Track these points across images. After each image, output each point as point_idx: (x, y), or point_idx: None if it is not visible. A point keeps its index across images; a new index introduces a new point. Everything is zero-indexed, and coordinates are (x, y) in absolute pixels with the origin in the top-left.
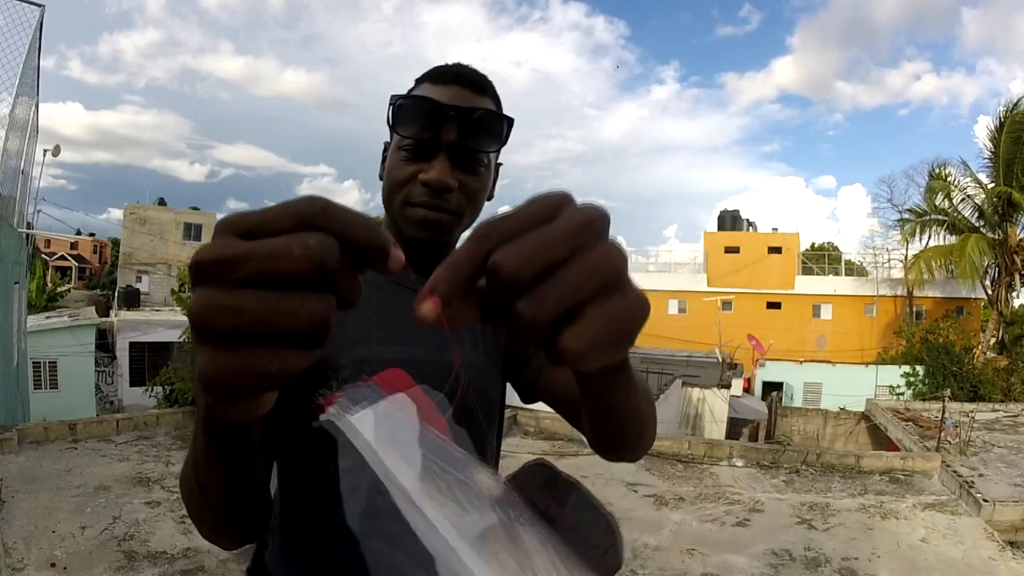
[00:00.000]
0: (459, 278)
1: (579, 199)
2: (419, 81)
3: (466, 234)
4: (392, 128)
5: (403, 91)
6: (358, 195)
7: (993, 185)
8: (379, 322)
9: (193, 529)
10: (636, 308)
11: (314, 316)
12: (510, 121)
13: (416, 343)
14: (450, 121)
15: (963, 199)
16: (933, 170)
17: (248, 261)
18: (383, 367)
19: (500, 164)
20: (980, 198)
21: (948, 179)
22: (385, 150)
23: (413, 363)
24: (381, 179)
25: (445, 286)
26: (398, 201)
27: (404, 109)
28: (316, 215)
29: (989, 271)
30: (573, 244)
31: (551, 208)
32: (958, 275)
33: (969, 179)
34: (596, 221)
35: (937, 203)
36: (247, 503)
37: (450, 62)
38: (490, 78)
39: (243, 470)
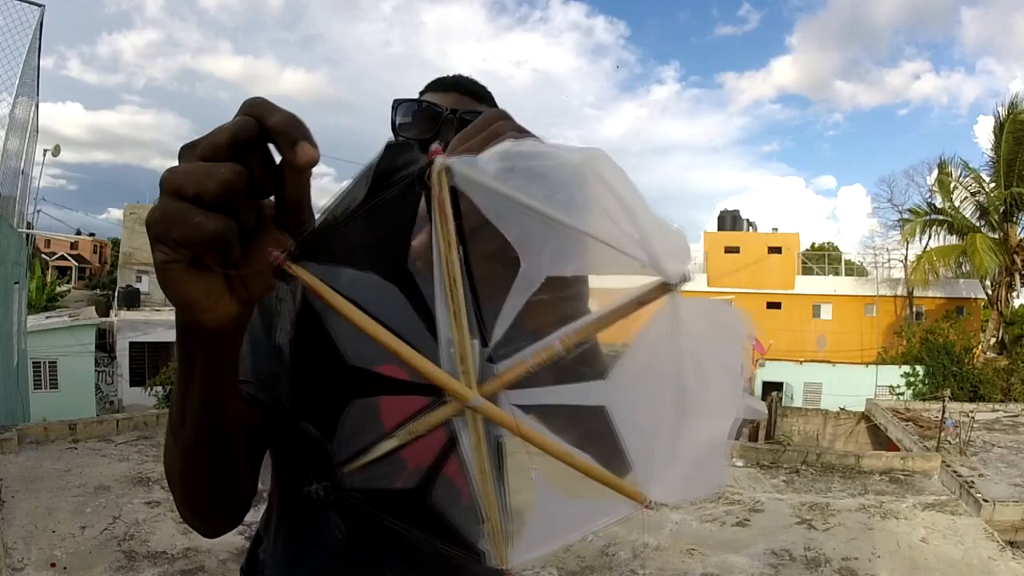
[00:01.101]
0: (472, 145)
1: None
2: (422, 92)
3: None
4: (393, 131)
5: (403, 92)
6: None
7: (994, 185)
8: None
9: (193, 529)
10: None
11: (216, 230)
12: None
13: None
14: (449, 123)
15: (965, 198)
16: (943, 164)
17: (185, 176)
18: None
19: None
20: (981, 197)
21: (950, 178)
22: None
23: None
24: None
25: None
26: None
27: (406, 112)
28: (250, 109)
29: (990, 271)
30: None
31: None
32: (974, 272)
33: (970, 179)
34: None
35: (937, 203)
36: (220, 458)
37: (450, 72)
38: (490, 79)
39: (216, 404)
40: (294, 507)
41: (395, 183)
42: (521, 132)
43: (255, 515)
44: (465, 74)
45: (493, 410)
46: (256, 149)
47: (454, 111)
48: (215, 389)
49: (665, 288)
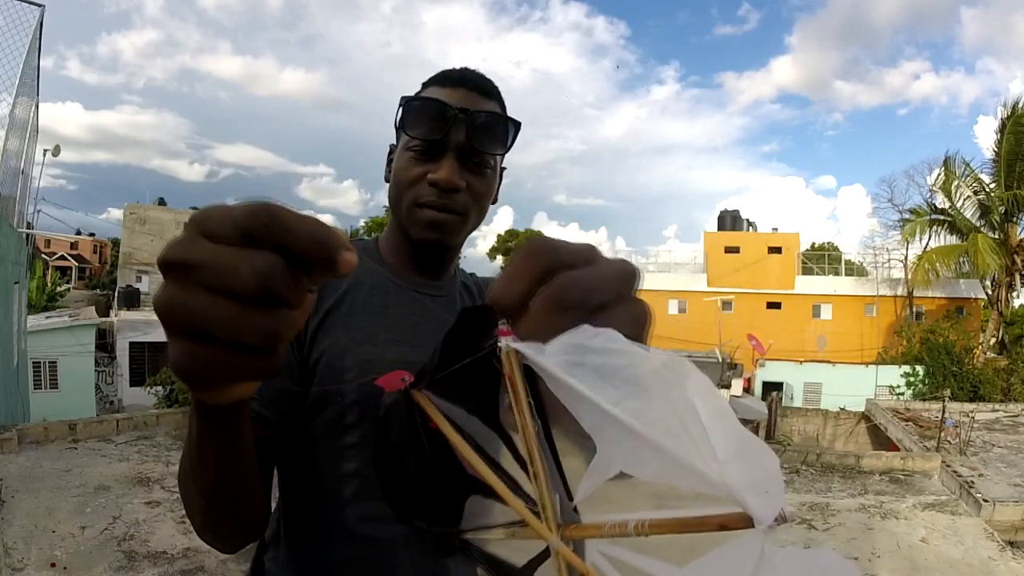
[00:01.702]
0: (520, 290)
1: (578, 191)
2: (426, 84)
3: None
4: (401, 129)
5: (403, 91)
6: (357, 195)
7: (995, 185)
8: (384, 324)
9: (193, 529)
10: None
11: (266, 331)
12: (516, 124)
13: (420, 344)
14: (458, 123)
15: (967, 198)
16: (948, 161)
17: (205, 269)
18: (389, 368)
19: (504, 168)
20: (982, 197)
21: (955, 176)
22: (390, 153)
23: (417, 365)
24: (387, 181)
25: (509, 296)
26: (407, 202)
27: (413, 110)
28: (259, 231)
29: (991, 271)
30: (620, 290)
31: (588, 250)
32: (975, 272)
33: (971, 178)
34: (633, 276)
35: (938, 203)
36: (240, 495)
37: (456, 66)
38: (492, 79)
39: (235, 455)
40: (300, 519)
41: (472, 352)
42: (592, 259)
43: None
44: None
45: (571, 556)
46: (291, 289)
47: (464, 110)
48: (233, 445)
49: (750, 522)
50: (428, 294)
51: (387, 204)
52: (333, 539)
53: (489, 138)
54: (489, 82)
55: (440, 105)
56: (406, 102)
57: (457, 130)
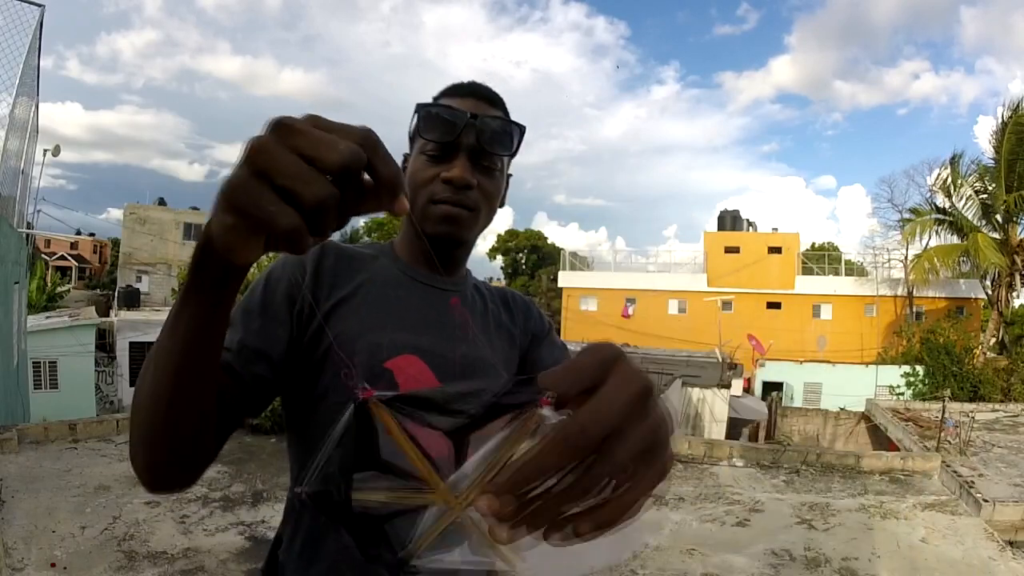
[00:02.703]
0: (573, 391)
1: (578, 191)
2: (438, 96)
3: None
4: (416, 134)
5: (403, 92)
6: None
7: (995, 185)
8: (394, 313)
9: (193, 529)
10: (667, 467)
11: (321, 197)
12: (522, 129)
13: (428, 333)
14: (469, 127)
15: (968, 197)
16: (955, 159)
17: (308, 134)
18: (397, 352)
19: (510, 175)
20: (984, 196)
21: (959, 176)
22: (404, 161)
23: (424, 351)
24: None
25: (563, 388)
26: (422, 200)
27: (428, 117)
28: (364, 142)
29: (991, 270)
30: (634, 413)
31: (607, 363)
32: (977, 270)
33: (973, 178)
34: (648, 393)
35: (939, 203)
36: (194, 395)
37: (465, 80)
38: (490, 79)
39: (210, 336)
40: (312, 510)
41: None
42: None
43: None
44: (475, 79)
45: (468, 513)
46: (352, 182)
47: (473, 116)
48: (212, 318)
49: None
50: (438, 287)
51: None
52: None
53: (497, 141)
54: (495, 93)
55: (452, 111)
56: (421, 109)
57: (468, 133)
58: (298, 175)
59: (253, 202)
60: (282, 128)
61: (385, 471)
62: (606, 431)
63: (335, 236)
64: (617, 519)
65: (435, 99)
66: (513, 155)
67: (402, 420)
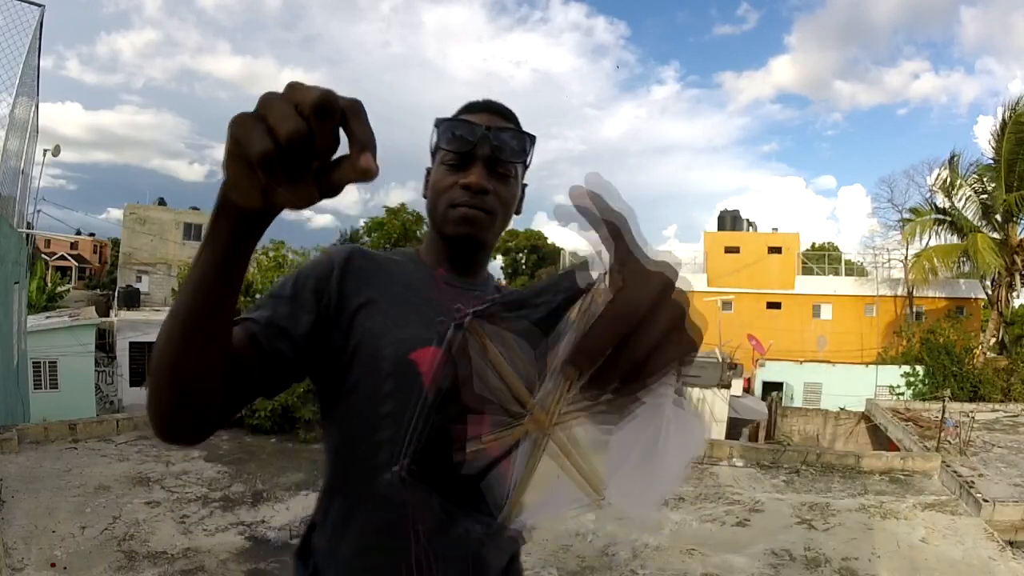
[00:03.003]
0: (597, 353)
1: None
2: (455, 115)
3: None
4: (436, 147)
5: (403, 92)
6: (356, 195)
7: (995, 186)
8: (419, 310)
9: (193, 528)
10: (694, 341)
11: (290, 128)
12: (532, 139)
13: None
14: (484, 138)
15: (968, 197)
16: (953, 159)
17: (299, 87)
18: (420, 345)
19: (526, 184)
20: (984, 196)
21: (958, 176)
22: (427, 175)
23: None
24: (425, 198)
25: (587, 359)
26: (443, 205)
27: (447, 130)
28: (350, 104)
29: (991, 271)
30: (664, 297)
31: (657, 292)
32: (976, 271)
33: (973, 178)
34: (671, 287)
35: (939, 203)
36: (207, 350)
37: (479, 99)
38: (490, 79)
39: (221, 288)
40: (341, 489)
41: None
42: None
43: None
44: (475, 79)
45: (556, 434)
46: (327, 125)
47: (488, 128)
48: (224, 266)
49: None
50: (460, 287)
51: (388, 207)
52: (369, 504)
53: (510, 150)
54: (508, 109)
55: (469, 124)
56: (440, 124)
57: (483, 144)
58: (280, 114)
59: (240, 132)
60: (287, 86)
61: (479, 410)
62: (648, 302)
63: (334, 239)
64: (657, 372)
65: (453, 116)
66: (527, 164)
67: (493, 339)
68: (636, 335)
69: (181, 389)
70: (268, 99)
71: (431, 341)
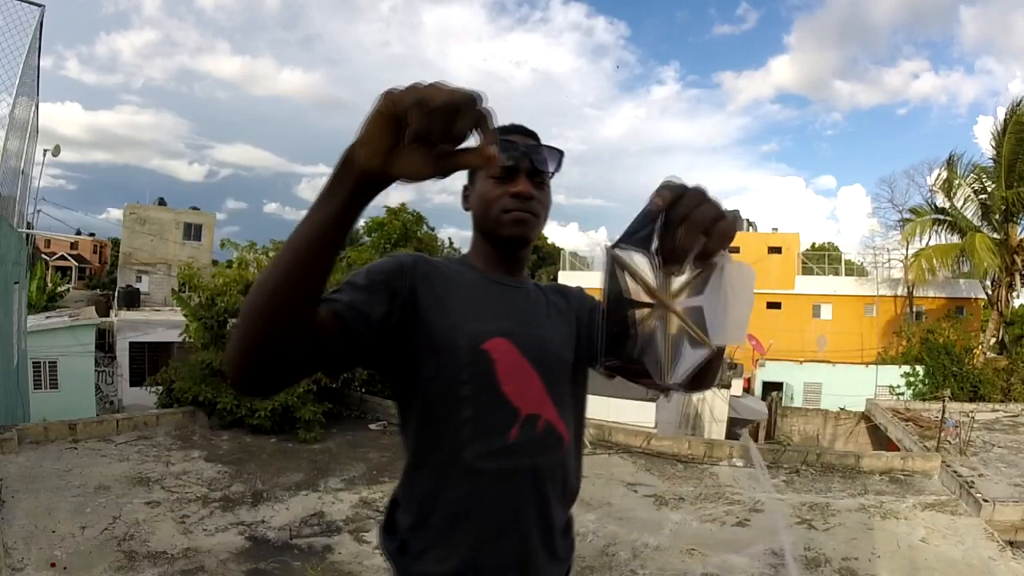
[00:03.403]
0: (676, 194)
1: (578, 191)
2: None
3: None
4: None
5: None
6: None
7: (995, 185)
8: (484, 306)
9: (193, 528)
10: (734, 228)
11: (442, 99)
12: (562, 153)
13: (508, 320)
14: (524, 154)
15: (968, 197)
16: (952, 159)
17: (444, 83)
18: (489, 336)
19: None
20: (984, 196)
21: (956, 176)
22: (465, 190)
23: (509, 333)
24: (466, 209)
25: (668, 193)
26: (496, 211)
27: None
28: (486, 111)
29: (990, 271)
30: (712, 199)
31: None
32: (974, 271)
33: (972, 178)
34: (714, 196)
35: (939, 203)
36: (298, 301)
37: (505, 123)
38: (490, 79)
39: (340, 234)
40: (425, 466)
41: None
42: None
43: (254, 515)
44: (475, 79)
45: (676, 308)
46: (468, 116)
47: (527, 146)
48: (335, 222)
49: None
50: (511, 286)
51: (388, 207)
52: (452, 475)
53: (546, 163)
54: (533, 131)
55: (512, 143)
56: None
57: (525, 159)
58: (437, 90)
59: (399, 94)
60: (438, 82)
61: (633, 308)
62: (703, 196)
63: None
64: (719, 247)
65: None
66: (558, 171)
67: (627, 259)
68: (700, 209)
69: (273, 330)
70: (423, 84)
71: (497, 332)
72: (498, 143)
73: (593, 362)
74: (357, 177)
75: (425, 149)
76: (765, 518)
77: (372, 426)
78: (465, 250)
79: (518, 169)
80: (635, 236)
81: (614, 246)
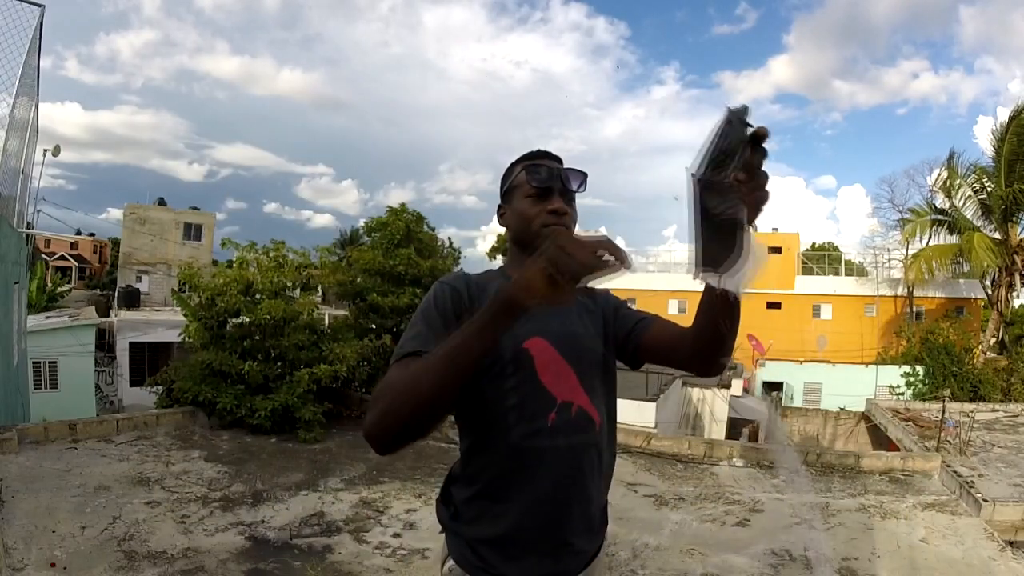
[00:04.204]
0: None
1: (578, 193)
2: (520, 160)
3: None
4: (513, 188)
5: (403, 92)
6: (356, 195)
7: (994, 185)
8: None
9: (193, 528)
10: (768, 195)
11: (584, 264)
12: (586, 175)
13: (544, 321)
14: (557, 176)
15: (968, 197)
16: (952, 158)
17: (581, 242)
18: (528, 337)
19: None
20: (984, 196)
21: (956, 175)
22: (500, 208)
23: (546, 333)
24: (503, 225)
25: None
26: (536, 226)
27: (531, 172)
28: (608, 242)
29: (989, 271)
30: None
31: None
32: (971, 270)
33: (973, 177)
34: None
35: (938, 203)
36: (450, 399)
37: (534, 149)
38: (490, 79)
39: (475, 366)
40: (477, 446)
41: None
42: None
43: (254, 515)
44: (475, 79)
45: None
46: (603, 261)
47: (559, 168)
48: (490, 345)
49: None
50: None
51: (390, 207)
52: (500, 453)
53: (575, 183)
54: (557, 155)
55: (547, 166)
56: (523, 169)
57: (557, 180)
58: (583, 257)
59: (562, 261)
60: (581, 238)
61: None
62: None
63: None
64: (762, 204)
65: (519, 161)
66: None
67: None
68: (764, 173)
69: (427, 423)
70: (571, 243)
71: (535, 333)
72: (627, 262)
73: (622, 348)
74: (518, 314)
75: (571, 285)
76: (803, 531)
77: None
78: (465, 250)
79: (551, 190)
80: (717, 161)
81: (699, 168)
